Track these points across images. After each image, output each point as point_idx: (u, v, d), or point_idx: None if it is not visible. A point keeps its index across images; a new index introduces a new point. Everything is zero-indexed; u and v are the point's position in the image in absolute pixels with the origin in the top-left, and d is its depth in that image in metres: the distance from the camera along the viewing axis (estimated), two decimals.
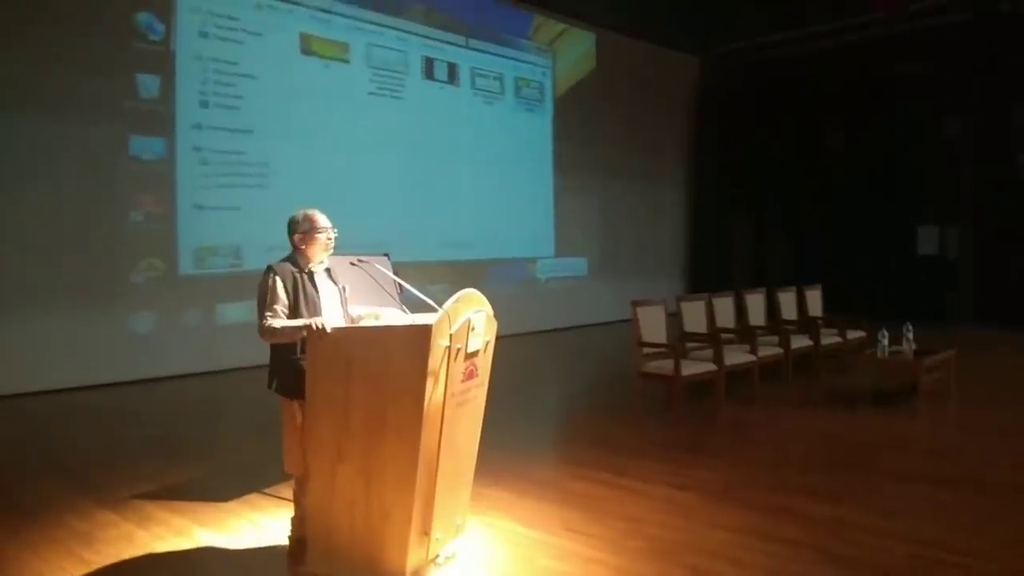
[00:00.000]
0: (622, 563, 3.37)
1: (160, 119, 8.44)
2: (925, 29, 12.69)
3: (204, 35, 8.74)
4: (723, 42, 15.10)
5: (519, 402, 6.97)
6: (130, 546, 3.65)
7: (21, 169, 7.55)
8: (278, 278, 3.42)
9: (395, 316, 3.61)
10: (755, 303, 8.10)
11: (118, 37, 8.14)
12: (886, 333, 6.64)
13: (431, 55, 11.15)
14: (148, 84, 8.35)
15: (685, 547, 3.53)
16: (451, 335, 2.96)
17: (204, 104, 8.75)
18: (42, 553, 3.57)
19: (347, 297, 3.67)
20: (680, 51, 15.23)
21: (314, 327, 3.07)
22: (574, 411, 7.21)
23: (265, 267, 3.49)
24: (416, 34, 10.91)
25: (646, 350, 6.50)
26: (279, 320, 3.35)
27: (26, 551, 3.60)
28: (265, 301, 3.39)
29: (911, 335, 6.62)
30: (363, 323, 3.58)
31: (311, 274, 3.53)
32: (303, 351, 3.33)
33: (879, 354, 6.62)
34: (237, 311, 8.55)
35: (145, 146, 8.36)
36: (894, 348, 6.66)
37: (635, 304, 6.58)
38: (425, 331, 2.88)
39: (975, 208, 12.76)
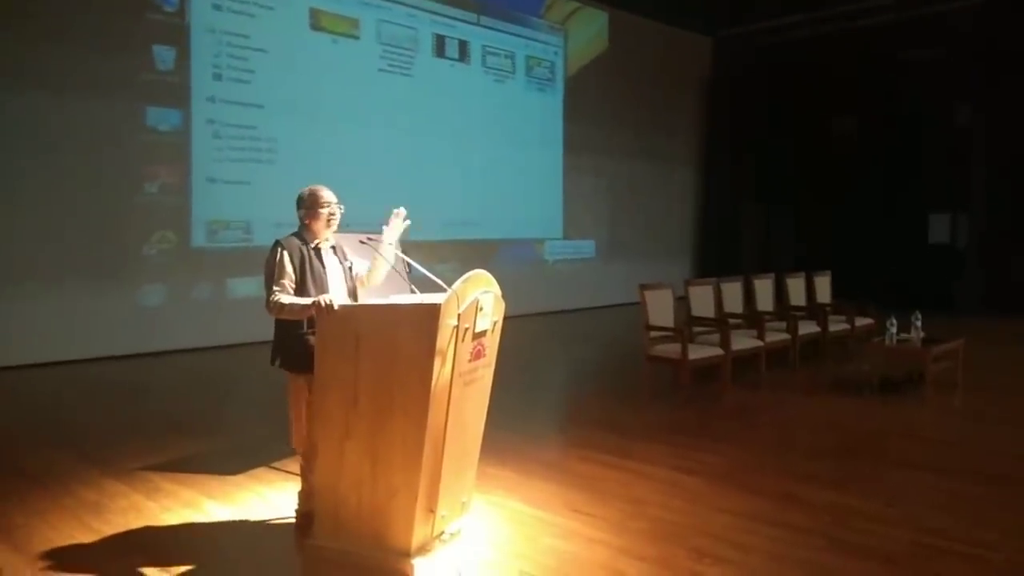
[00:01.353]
0: (624, 543, 3.39)
1: (175, 91, 8.44)
2: (936, 14, 12.53)
3: (217, 7, 8.70)
4: (734, 24, 14.93)
5: (526, 383, 6.99)
6: (139, 516, 3.69)
7: (39, 140, 7.56)
8: (286, 253, 3.43)
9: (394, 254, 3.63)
10: (763, 288, 8.09)
11: (134, 8, 8.12)
12: (895, 321, 6.62)
13: (442, 32, 11.06)
14: (164, 56, 8.34)
15: (688, 530, 3.55)
16: (459, 315, 2.96)
17: (218, 77, 8.74)
18: (51, 521, 3.62)
19: (355, 274, 3.68)
20: (693, 32, 15.07)
21: (322, 303, 3.08)
22: (581, 393, 7.23)
23: (273, 242, 3.50)
24: (427, 11, 10.82)
25: (653, 333, 6.51)
26: (287, 296, 3.36)
27: (35, 519, 3.64)
28: (273, 276, 3.40)
29: (919, 323, 6.59)
30: (384, 252, 3.59)
31: (318, 250, 3.54)
32: (310, 326, 3.34)
33: (887, 342, 6.60)
34: (247, 286, 8.58)
35: (161, 117, 8.37)
36: (902, 336, 6.64)
37: (643, 287, 6.57)
38: (434, 310, 2.88)
39: (986, 196, 12.65)
